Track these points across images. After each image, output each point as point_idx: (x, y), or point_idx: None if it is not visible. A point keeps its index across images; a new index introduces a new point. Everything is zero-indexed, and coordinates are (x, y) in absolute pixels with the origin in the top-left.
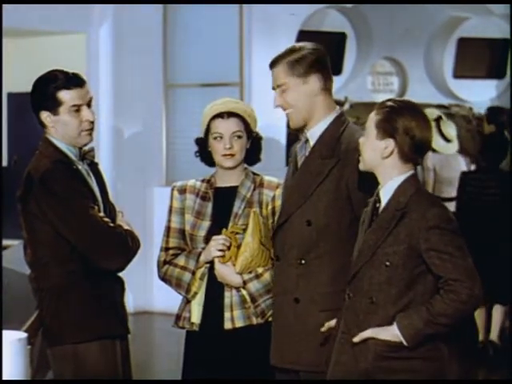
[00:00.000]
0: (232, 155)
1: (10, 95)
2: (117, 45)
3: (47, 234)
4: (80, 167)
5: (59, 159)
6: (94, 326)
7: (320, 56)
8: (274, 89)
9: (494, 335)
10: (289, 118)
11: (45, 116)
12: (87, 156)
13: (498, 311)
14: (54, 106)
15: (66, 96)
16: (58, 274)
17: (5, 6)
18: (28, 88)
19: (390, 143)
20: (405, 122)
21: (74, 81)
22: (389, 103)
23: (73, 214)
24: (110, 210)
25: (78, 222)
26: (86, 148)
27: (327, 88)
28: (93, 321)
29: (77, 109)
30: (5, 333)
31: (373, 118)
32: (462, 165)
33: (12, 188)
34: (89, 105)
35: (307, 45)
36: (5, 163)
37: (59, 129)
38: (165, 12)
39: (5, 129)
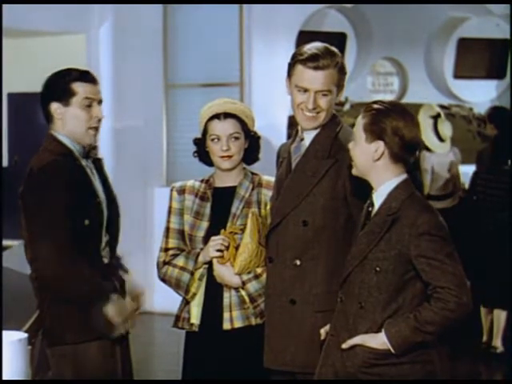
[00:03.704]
0: (229, 156)
1: (10, 95)
2: (117, 45)
3: None
4: (84, 164)
5: (62, 153)
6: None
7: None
8: (306, 90)
9: (496, 340)
10: (314, 117)
11: (55, 107)
12: (91, 154)
13: (500, 316)
14: (66, 96)
15: (80, 88)
16: None
17: (5, 6)
18: (28, 88)
19: (379, 145)
20: (392, 123)
21: (88, 76)
22: (375, 106)
23: (44, 221)
24: (114, 208)
25: (43, 230)
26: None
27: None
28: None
29: (88, 104)
30: (5, 333)
31: (360, 122)
32: (454, 160)
33: (12, 188)
34: (99, 104)
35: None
36: (5, 163)
37: (67, 122)
38: (165, 12)
39: (5, 129)
